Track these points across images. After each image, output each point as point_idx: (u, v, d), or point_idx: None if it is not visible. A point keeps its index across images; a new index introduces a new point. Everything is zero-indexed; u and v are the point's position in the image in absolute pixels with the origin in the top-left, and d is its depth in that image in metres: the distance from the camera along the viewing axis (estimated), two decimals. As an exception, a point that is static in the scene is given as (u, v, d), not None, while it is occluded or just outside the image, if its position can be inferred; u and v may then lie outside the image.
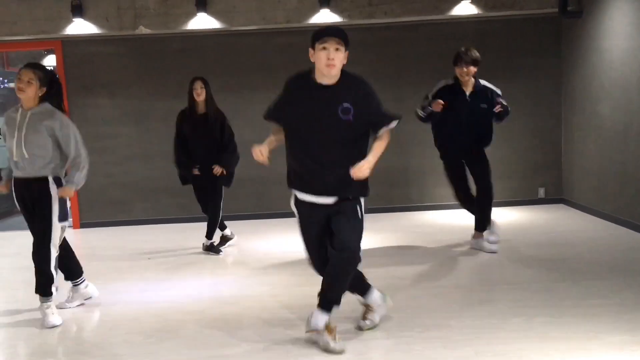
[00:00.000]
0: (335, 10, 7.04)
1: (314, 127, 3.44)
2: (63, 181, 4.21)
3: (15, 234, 7.41)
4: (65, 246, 4.37)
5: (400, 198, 7.85)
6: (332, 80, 3.45)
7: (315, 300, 3.62)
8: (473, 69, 5.31)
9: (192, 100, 5.78)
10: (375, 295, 3.86)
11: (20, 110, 4.13)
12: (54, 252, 4.16)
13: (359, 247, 3.55)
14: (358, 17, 7.13)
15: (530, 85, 7.72)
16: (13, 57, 10.54)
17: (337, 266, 3.51)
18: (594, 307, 4.00)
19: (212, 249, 6.02)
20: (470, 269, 5.17)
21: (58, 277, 4.26)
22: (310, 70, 3.51)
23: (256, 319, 4.14)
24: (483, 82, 5.47)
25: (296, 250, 5.91)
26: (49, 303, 4.20)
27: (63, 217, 4.18)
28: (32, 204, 4.15)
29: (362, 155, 3.47)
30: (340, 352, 3.46)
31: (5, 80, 10.81)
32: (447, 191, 7.65)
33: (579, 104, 7.29)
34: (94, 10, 7.07)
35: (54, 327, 4.12)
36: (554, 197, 7.86)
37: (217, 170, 5.79)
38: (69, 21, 7.04)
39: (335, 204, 3.52)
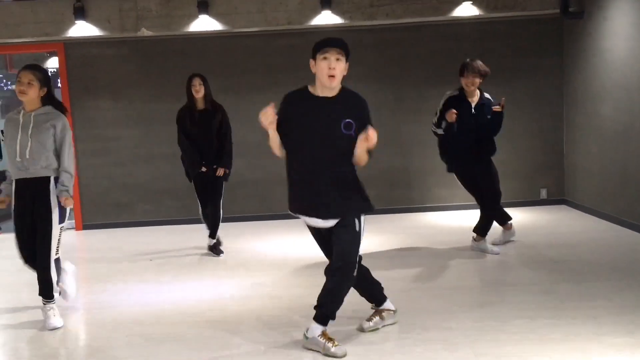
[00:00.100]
0: (336, 11, 7.05)
1: (316, 140, 3.46)
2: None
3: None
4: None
5: (401, 199, 7.85)
6: (332, 92, 3.47)
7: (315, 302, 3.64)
8: (479, 80, 5.33)
9: (191, 97, 5.80)
10: (388, 306, 3.93)
11: (22, 112, 4.13)
12: (54, 254, 4.16)
13: (356, 261, 3.58)
14: (359, 18, 7.14)
15: (531, 86, 7.71)
16: (16, 59, 10.58)
17: (333, 281, 3.53)
18: (595, 309, 4.00)
19: (213, 249, 6.03)
20: (471, 271, 5.17)
21: (60, 279, 4.27)
22: (307, 85, 3.55)
23: (257, 320, 4.14)
24: (487, 95, 5.51)
25: (297, 251, 5.95)
26: (51, 305, 4.22)
27: (62, 219, 4.19)
28: (32, 203, 4.12)
29: (354, 169, 3.55)
30: (342, 356, 3.45)
31: (9, 82, 10.85)
32: (448, 192, 7.69)
33: (581, 105, 7.28)
34: (96, 13, 7.09)
35: (55, 329, 4.13)
36: (556, 198, 7.84)
37: (220, 172, 5.81)
38: (72, 23, 7.07)
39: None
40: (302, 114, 3.49)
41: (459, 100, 5.37)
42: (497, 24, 7.60)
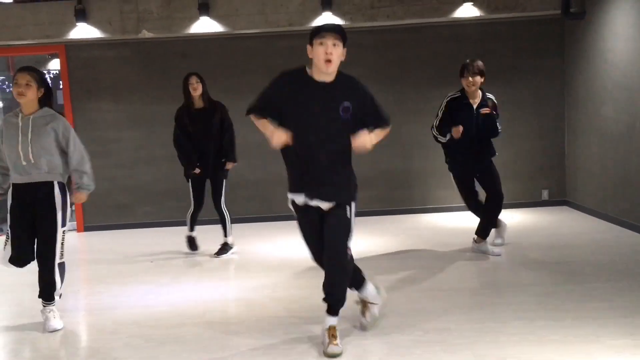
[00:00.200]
0: (337, 13, 7.05)
1: (313, 125, 3.44)
2: (66, 188, 4.22)
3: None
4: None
5: (402, 200, 7.85)
6: (329, 77, 3.45)
7: (317, 304, 3.70)
8: (479, 80, 5.30)
9: (188, 96, 5.81)
10: (370, 289, 3.84)
11: (20, 115, 4.09)
12: (58, 258, 4.16)
13: (348, 248, 3.60)
14: (360, 19, 7.14)
15: (532, 87, 7.70)
16: (18, 62, 10.60)
17: (331, 272, 3.58)
18: (596, 310, 3.99)
19: (223, 250, 6.06)
20: (472, 272, 5.16)
21: (62, 283, 4.26)
22: (304, 67, 3.51)
23: (257, 322, 4.14)
24: (490, 95, 5.46)
25: (298, 253, 5.94)
26: (51, 307, 4.22)
27: (64, 222, 4.18)
28: (32, 208, 4.11)
29: (350, 156, 3.55)
30: (331, 356, 3.48)
31: (10, 84, 10.88)
32: (449, 193, 7.67)
33: (582, 106, 7.27)
34: (97, 15, 7.11)
35: (55, 331, 4.13)
36: (558, 199, 7.83)
37: (229, 166, 5.90)
38: (73, 25, 7.09)
39: (330, 207, 3.55)
40: (299, 97, 3.46)
41: (460, 101, 5.37)
42: (498, 25, 7.59)
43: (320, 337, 3.70)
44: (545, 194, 7.86)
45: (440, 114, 5.44)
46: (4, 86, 10.70)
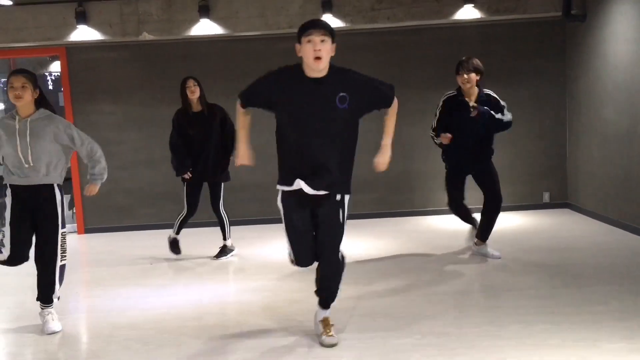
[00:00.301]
0: (337, 15, 7.05)
1: (311, 120, 3.45)
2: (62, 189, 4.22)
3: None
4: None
5: (403, 203, 7.83)
6: (321, 73, 3.45)
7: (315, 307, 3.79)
8: (474, 77, 5.26)
9: (186, 99, 5.81)
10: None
11: (17, 117, 4.07)
12: (59, 260, 4.16)
13: (340, 249, 3.71)
14: (361, 21, 7.13)
15: (533, 89, 7.69)
16: (19, 64, 10.62)
17: (328, 268, 3.70)
18: (594, 314, 3.97)
19: (222, 252, 6.06)
20: (472, 275, 5.15)
21: (61, 286, 4.26)
22: (300, 64, 3.51)
23: (255, 325, 4.13)
24: (487, 91, 5.38)
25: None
26: (49, 309, 4.22)
27: (63, 224, 4.17)
28: (33, 210, 4.10)
29: (354, 145, 3.59)
30: (328, 346, 3.62)
31: (13, 86, 10.90)
32: (450, 196, 7.66)
33: (584, 108, 7.25)
34: (97, 17, 7.12)
35: (53, 333, 4.13)
36: (559, 202, 7.81)
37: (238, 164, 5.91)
38: (73, 28, 7.11)
39: (322, 199, 3.54)
40: (291, 93, 3.47)
41: (457, 99, 5.34)
42: (499, 27, 7.58)
43: (314, 329, 3.80)
44: (546, 197, 7.84)
45: (437, 114, 5.42)
46: (5, 88, 10.71)
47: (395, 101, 3.69)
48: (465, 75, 5.24)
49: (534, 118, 7.70)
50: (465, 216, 5.74)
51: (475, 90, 5.32)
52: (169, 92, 7.55)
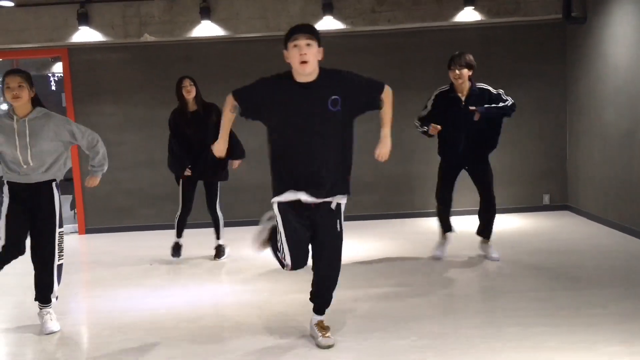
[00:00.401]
0: (338, 17, 7.06)
1: (305, 126, 3.44)
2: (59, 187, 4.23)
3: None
4: None
5: (402, 204, 7.84)
6: (310, 77, 3.44)
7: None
8: (467, 72, 5.25)
9: (182, 99, 5.84)
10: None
11: (15, 117, 4.06)
12: (57, 260, 4.17)
13: (340, 262, 3.75)
14: (361, 24, 7.15)
15: (533, 92, 7.69)
16: (22, 65, 10.65)
17: (327, 278, 3.73)
18: (592, 317, 3.98)
19: (220, 252, 6.08)
20: (471, 277, 5.15)
21: (59, 285, 4.27)
22: (290, 70, 3.50)
23: (253, 326, 4.14)
24: (480, 84, 5.35)
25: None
26: (48, 309, 4.23)
27: (60, 224, 4.18)
28: (31, 209, 4.11)
29: (351, 146, 3.56)
30: (325, 347, 3.64)
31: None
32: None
33: (584, 110, 7.25)
34: (99, 19, 7.14)
35: (52, 333, 4.14)
36: (559, 204, 7.81)
37: (236, 164, 5.95)
38: (75, 29, 7.13)
39: (321, 206, 3.55)
40: (286, 101, 3.46)
41: (449, 94, 5.34)
42: (499, 30, 7.59)
43: (310, 332, 3.83)
44: (546, 199, 7.84)
45: (429, 106, 5.41)
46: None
47: (388, 89, 3.61)
48: (457, 71, 5.24)
49: (534, 120, 7.71)
50: (444, 218, 5.70)
51: (467, 85, 5.30)
52: (170, 93, 7.50)
